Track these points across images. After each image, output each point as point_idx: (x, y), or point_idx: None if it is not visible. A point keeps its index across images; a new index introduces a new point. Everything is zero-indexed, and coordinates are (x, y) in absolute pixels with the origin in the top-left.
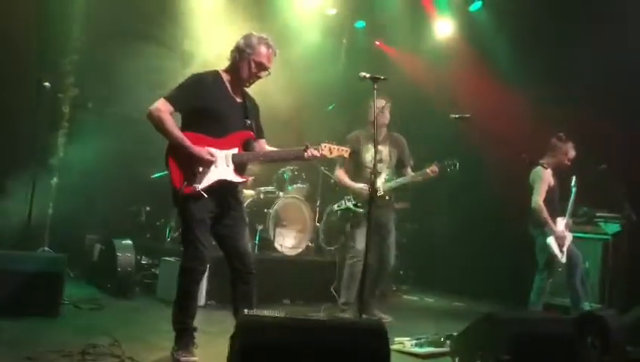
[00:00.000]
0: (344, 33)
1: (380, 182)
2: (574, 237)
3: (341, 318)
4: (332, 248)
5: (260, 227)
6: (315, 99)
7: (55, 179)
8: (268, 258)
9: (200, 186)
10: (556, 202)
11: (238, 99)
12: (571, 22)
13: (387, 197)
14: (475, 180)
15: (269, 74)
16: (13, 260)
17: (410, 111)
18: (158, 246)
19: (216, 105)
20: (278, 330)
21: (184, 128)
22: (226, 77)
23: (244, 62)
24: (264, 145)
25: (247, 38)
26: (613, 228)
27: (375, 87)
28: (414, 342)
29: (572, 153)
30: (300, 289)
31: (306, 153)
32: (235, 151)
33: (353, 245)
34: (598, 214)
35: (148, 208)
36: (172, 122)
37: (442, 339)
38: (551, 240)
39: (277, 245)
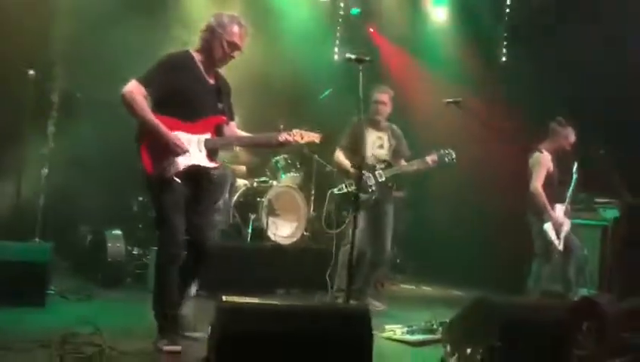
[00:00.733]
0: (338, 20)
1: (381, 168)
2: (573, 223)
3: (325, 304)
4: (333, 232)
5: (252, 216)
6: (310, 85)
7: (45, 170)
8: (261, 247)
9: (173, 171)
10: (555, 188)
11: (211, 81)
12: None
13: (389, 184)
14: (471, 168)
15: (242, 53)
16: None
17: (404, 100)
18: (150, 236)
19: (189, 87)
20: (256, 317)
21: (156, 110)
22: (198, 57)
23: (217, 43)
24: (234, 129)
25: (218, 17)
26: (611, 213)
27: (361, 68)
28: (406, 329)
29: (572, 137)
30: (294, 278)
31: (278, 138)
32: (208, 136)
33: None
34: (596, 200)
35: (140, 198)
36: (145, 105)
37: (434, 326)
38: (548, 227)
39: (270, 234)
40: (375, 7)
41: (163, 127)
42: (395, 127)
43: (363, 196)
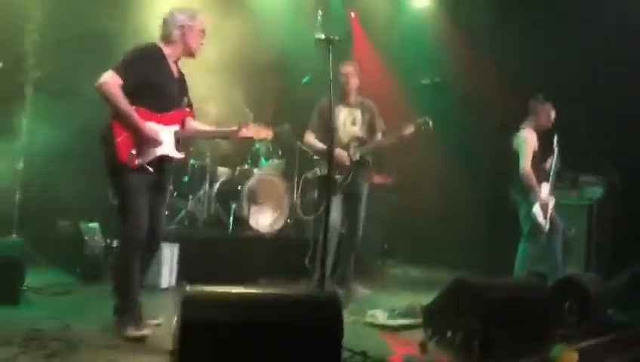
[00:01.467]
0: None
1: (354, 146)
2: (560, 203)
3: (293, 293)
4: (309, 218)
5: (234, 205)
6: (295, 70)
7: (21, 164)
8: (243, 237)
9: (145, 160)
10: (540, 165)
11: (177, 74)
12: None
13: (365, 162)
14: (455, 150)
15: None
16: None
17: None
18: None
19: (160, 80)
20: (222, 306)
21: (131, 100)
22: (166, 50)
23: (192, 34)
24: (191, 121)
25: (183, 11)
26: (596, 192)
27: (330, 48)
28: (387, 314)
29: (553, 113)
30: (277, 267)
31: (238, 134)
32: (177, 127)
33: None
34: (581, 179)
35: None
36: (122, 96)
37: (417, 310)
38: (537, 208)
39: (252, 223)
40: None
41: (139, 118)
42: (367, 100)
43: (338, 177)
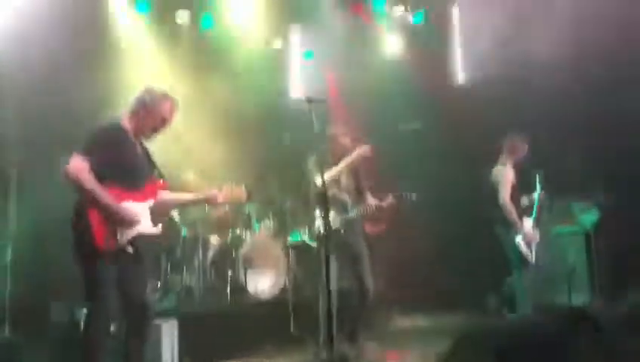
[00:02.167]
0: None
1: (334, 214)
2: (556, 233)
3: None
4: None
5: (230, 273)
6: (272, 133)
7: (9, 256)
8: (243, 304)
9: (124, 241)
10: (518, 201)
11: (140, 149)
12: None
13: (354, 219)
14: (441, 192)
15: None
16: None
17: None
18: None
19: (127, 157)
20: None
21: (101, 182)
22: (129, 126)
23: (149, 118)
24: (165, 193)
25: (150, 92)
26: (591, 218)
27: (312, 108)
28: None
29: (525, 148)
30: (282, 333)
31: (217, 199)
32: (152, 202)
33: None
34: (575, 207)
35: None
36: (93, 180)
37: None
38: (519, 240)
39: (250, 289)
40: (328, 48)
41: (113, 201)
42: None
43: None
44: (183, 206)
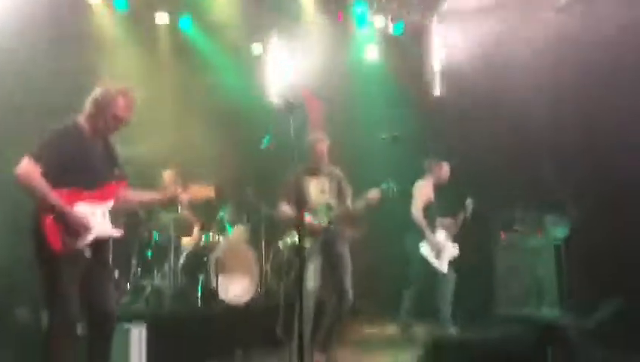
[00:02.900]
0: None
1: (322, 212)
2: (527, 246)
3: None
4: (281, 284)
5: (201, 277)
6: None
7: None
8: (213, 309)
9: (80, 245)
10: (435, 216)
11: (102, 148)
12: None
13: (336, 226)
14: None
15: (128, 123)
16: None
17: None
18: None
19: (82, 157)
20: None
21: (55, 184)
22: (86, 126)
23: (101, 117)
24: (128, 192)
25: (103, 91)
26: (562, 231)
27: (290, 113)
28: None
29: (446, 169)
30: (253, 337)
31: (182, 198)
32: (111, 203)
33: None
34: (546, 220)
35: None
36: (44, 184)
37: None
38: (426, 248)
39: (221, 294)
40: (307, 53)
41: (66, 206)
42: (334, 169)
43: (310, 243)
44: (147, 205)
